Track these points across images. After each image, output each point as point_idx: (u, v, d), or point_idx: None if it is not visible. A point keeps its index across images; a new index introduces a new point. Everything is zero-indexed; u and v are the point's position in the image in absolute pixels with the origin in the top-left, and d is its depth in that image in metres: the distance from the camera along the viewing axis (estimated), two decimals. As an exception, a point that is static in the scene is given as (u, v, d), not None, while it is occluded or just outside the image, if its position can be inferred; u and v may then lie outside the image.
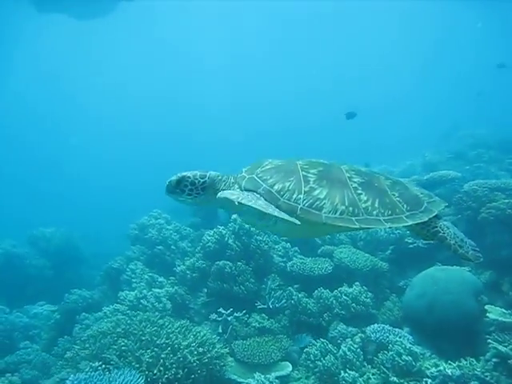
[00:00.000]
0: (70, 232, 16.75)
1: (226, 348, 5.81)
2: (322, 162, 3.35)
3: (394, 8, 33.24)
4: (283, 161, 3.34)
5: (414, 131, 36.21)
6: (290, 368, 6.32)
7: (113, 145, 49.20)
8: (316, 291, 7.27)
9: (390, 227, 3.08)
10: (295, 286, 7.65)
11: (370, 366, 5.98)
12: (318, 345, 6.23)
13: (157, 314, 5.91)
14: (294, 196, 3.02)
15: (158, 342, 5.18)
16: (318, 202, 3.00)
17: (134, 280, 8.68)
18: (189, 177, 3.16)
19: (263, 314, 7.16)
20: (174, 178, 3.16)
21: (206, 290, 8.05)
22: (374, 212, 3.06)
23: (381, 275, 8.04)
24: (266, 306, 7.30)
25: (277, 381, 5.88)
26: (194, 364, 5.08)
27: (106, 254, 18.00)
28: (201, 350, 5.24)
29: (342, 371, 5.70)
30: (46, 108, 47.49)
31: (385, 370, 5.77)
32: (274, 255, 8.24)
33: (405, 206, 3.18)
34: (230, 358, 6.00)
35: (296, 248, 8.99)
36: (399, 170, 18.26)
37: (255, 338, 6.78)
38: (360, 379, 5.62)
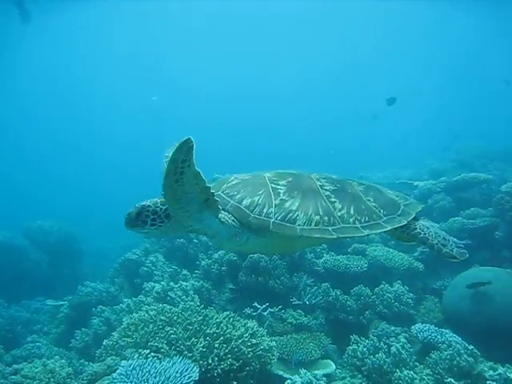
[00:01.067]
0: (70, 226, 16.15)
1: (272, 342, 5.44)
2: (290, 173, 3.20)
3: (391, 11, 33.16)
4: (249, 174, 3.18)
5: (410, 140, 36.48)
6: (334, 366, 5.97)
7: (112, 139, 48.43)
8: (356, 288, 6.95)
9: (368, 234, 2.94)
10: (326, 283, 7.30)
11: (422, 366, 5.68)
12: (367, 342, 5.90)
13: (199, 303, 5.50)
14: (265, 210, 2.84)
15: (207, 331, 4.79)
16: (290, 215, 2.84)
17: (155, 272, 8.25)
18: (149, 206, 2.86)
19: (299, 310, 6.80)
20: (132, 210, 2.86)
21: (231, 286, 7.68)
22: (351, 220, 2.93)
23: (416, 275, 7.77)
24: (301, 302, 6.96)
25: (324, 379, 5.52)
26: (249, 355, 4.71)
27: (108, 249, 17.62)
28: (254, 341, 4.87)
29: (397, 370, 5.37)
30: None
31: (440, 370, 5.47)
32: (307, 251, 7.90)
33: (381, 210, 3.08)
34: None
35: (324, 245, 8.67)
36: (405, 177, 18.12)
37: (292, 334, 6.42)
38: (417, 379, 5.29)
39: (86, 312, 8.64)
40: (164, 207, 2.86)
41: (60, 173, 40.65)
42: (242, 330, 4.97)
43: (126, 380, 4.08)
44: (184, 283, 7.32)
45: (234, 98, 51.01)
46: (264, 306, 6.59)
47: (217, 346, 4.62)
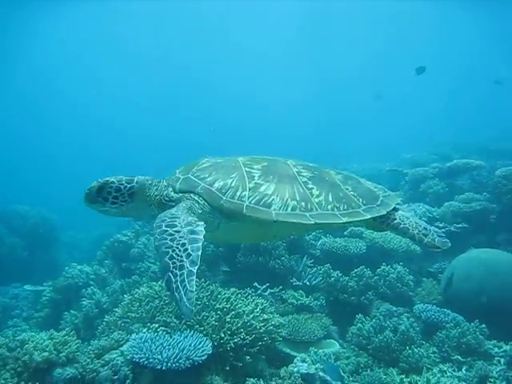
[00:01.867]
0: (47, 212, 15.56)
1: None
2: (265, 158, 3.10)
3: (390, 10, 33.13)
4: (222, 158, 3.06)
5: (382, 136, 36.82)
6: (338, 345, 5.87)
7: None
8: (357, 270, 6.85)
9: (347, 222, 2.84)
10: (328, 264, 7.19)
11: (428, 344, 5.64)
12: (373, 321, 5.83)
13: (203, 279, 5.28)
14: (238, 193, 2.69)
15: (217, 306, 4.61)
16: (265, 198, 2.70)
17: (148, 254, 7.97)
18: (112, 182, 2.71)
19: (300, 291, 6.67)
20: (94, 184, 2.70)
21: (225, 269, 7.49)
22: (329, 206, 2.83)
23: (413, 258, 7.76)
24: (301, 283, 6.83)
25: (333, 356, 5.41)
26: (261, 330, 4.56)
27: (79, 240, 17.11)
28: (265, 316, 4.72)
29: (406, 348, 5.31)
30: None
31: (447, 348, 5.44)
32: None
33: (360, 199, 3.01)
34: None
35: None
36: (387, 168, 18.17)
37: (294, 315, 6.28)
38: (425, 357, 5.25)
39: (71, 295, 8.30)
40: (129, 185, 2.74)
41: (56, 165, 38.96)
42: (253, 305, 4.82)
43: (139, 352, 3.86)
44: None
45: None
46: (264, 286, 6.43)
47: (228, 320, 4.46)
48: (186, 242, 2.36)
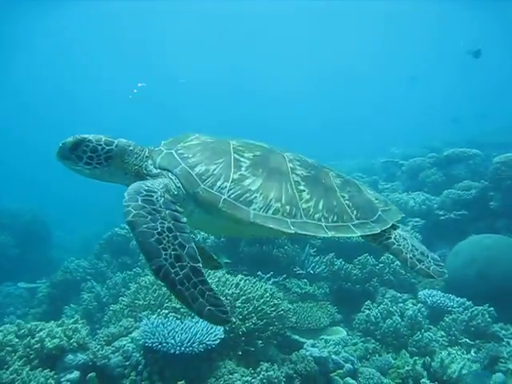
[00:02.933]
0: (39, 210, 15.32)
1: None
2: (261, 146, 2.74)
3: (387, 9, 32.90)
4: (214, 138, 2.71)
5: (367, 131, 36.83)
6: (345, 332, 5.84)
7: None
8: (360, 258, 6.83)
9: (332, 237, 2.50)
10: (332, 253, 7.15)
11: (435, 329, 5.63)
12: (381, 306, 5.81)
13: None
14: (219, 183, 2.38)
15: (227, 291, 4.54)
16: (247, 195, 2.39)
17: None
18: (90, 140, 2.41)
19: (304, 280, 6.63)
20: (69, 139, 2.39)
21: (226, 260, 7.42)
22: (316, 215, 2.48)
23: (413, 246, 7.74)
24: (304, 272, 6.79)
25: (336, 342, 5.38)
26: (272, 315, 4.51)
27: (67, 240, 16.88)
28: (275, 301, 4.66)
29: (414, 332, 5.29)
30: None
31: (455, 332, 5.44)
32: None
33: (354, 212, 2.63)
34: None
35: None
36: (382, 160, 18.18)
37: (298, 303, 6.23)
38: (434, 340, 5.24)
39: (69, 289, 8.17)
40: (107, 147, 2.45)
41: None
42: (262, 290, 4.75)
43: (152, 337, 3.78)
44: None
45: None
46: (268, 275, 6.38)
47: (239, 305, 4.39)
48: (171, 227, 2.07)
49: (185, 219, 2.17)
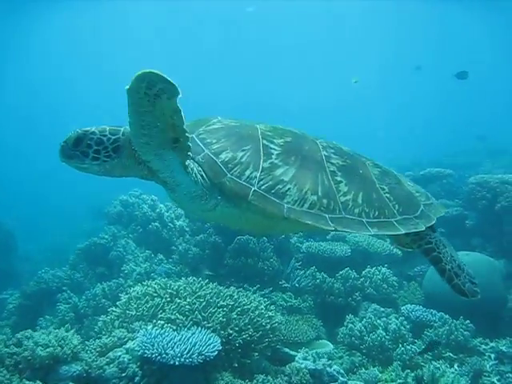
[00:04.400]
0: (3, 218, 14.74)
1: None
2: (290, 131, 2.49)
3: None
4: (238, 121, 2.45)
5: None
6: (331, 345, 5.88)
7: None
8: (342, 272, 6.92)
9: (375, 234, 2.30)
10: (313, 266, 7.22)
11: (420, 342, 5.75)
12: (364, 320, 5.89)
13: (200, 278, 5.15)
14: (248, 173, 2.15)
15: (221, 303, 4.52)
16: (280, 186, 2.16)
17: (128, 257, 7.70)
18: (93, 132, 2.15)
19: (289, 293, 6.66)
20: (71, 134, 2.14)
21: (207, 272, 7.37)
22: (356, 210, 2.26)
23: (394, 262, 7.93)
24: (289, 285, 6.83)
25: (325, 356, 5.41)
26: (267, 327, 4.51)
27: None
28: (270, 313, 4.68)
29: (399, 346, 5.40)
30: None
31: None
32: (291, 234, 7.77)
33: (396, 206, 2.40)
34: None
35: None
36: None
37: (285, 316, 6.24)
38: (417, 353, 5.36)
39: (43, 301, 7.89)
40: (114, 137, 2.17)
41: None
42: (256, 302, 4.75)
43: (151, 347, 3.71)
44: (167, 266, 6.91)
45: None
46: (255, 287, 6.37)
47: (235, 316, 4.38)
48: None
49: None
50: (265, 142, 2.28)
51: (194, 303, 4.41)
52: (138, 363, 3.81)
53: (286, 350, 5.26)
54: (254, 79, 48.31)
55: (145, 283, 4.97)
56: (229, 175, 2.13)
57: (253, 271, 6.74)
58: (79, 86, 44.58)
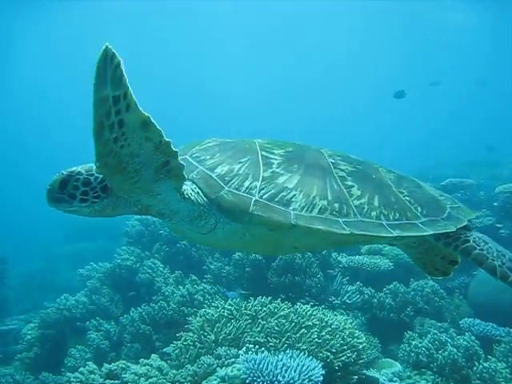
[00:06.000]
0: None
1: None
2: (292, 142, 2.37)
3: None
4: (234, 139, 2.35)
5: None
6: (399, 365, 5.56)
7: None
8: (391, 286, 6.67)
9: (398, 236, 2.08)
10: (358, 281, 6.95)
11: (494, 359, 5.48)
12: (430, 337, 5.59)
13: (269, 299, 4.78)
14: (247, 183, 1.99)
15: (307, 322, 4.17)
16: (283, 193, 1.99)
17: (157, 279, 7.22)
18: (79, 173, 2.00)
19: (341, 310, 6.34)
20: (56, 177, 2.00)
21: (242, 291, 7.00)
22: (373, 213, 2.09)
23: (433, 275, 7.72)
24: (339, 301, 6.51)
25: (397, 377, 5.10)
26: (360, 347, 4.18)
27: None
28: (358, 333, 4.35)
29: (474, 363, 5.12)
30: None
31: (513, 359, 5.34)
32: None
33: (419, 208, 2.24)
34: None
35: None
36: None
37: (340, 335, 5.91)
38: (498, 371, 5.09)
39: (64, 329, 7.31)
40: (101, 176, 1.99)
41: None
42: (343, 321, 4.42)
43: (261, 375, 3.32)
44: (206, 286, 6.50)
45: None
46: (309, 305, 6.02)
47: (328, 337, 4.02)
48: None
49: None
50: (264, 153, 2.14)
51: (283, 324, 4.04)
52: (242, 393, 3.41)
53: (364, 371, 4.92)
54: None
55: (214, 305, 4.59)
56: (226, 188, 1.97)
57: (300, 288, 6.40)
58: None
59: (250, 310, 4.34)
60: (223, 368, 3.70)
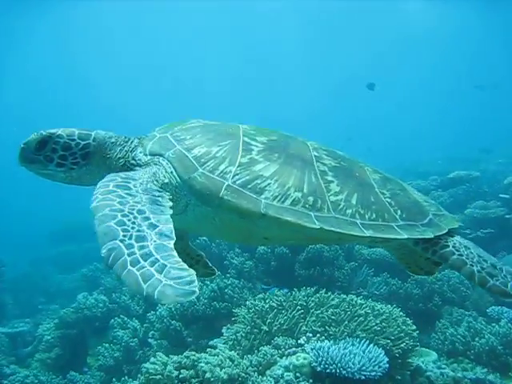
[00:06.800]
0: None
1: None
2: (279, 132, 2.32)
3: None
4: (220, 122, 2.31)
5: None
6: (435, 354, 5.56)
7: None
8: (417, 276, 6.67)
9: (370, 236, 2.03)
10: (383, 273, 6.95)
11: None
12: (465, 325, 5.62)
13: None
14: (222, 167, 1.95)
15: (359, 311, 4.15)
16: (258, 181, 1.95)
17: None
18: (60, 136, 1.96)
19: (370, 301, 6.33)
20: (34, 136, 1.94)
21: (263, 286, 6.96)
22: (348, 211, 2.04)
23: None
24: (366, 293, 6.51)
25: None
26: (414, 335, 4.16)
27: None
28: (409, 320, 4.34)
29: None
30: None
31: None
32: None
33: (398, 211, 2.18)
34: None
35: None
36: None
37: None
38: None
39: (84, 328, 7.17)
40: (83, 142, 1.99)
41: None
42: (388, 308, 4.41)
43: (332, 362, 3.29)
44: (235, 281, 6.43)
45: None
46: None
47: (385, 325, 4.01)
48: (145, 209, 1.65)
49: (168, 203, 1.79)
50: (246, 139, 2.10)
51: (338, 313, 4.01)
52: (310, 380, 3.36)
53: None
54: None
55: (262, 297, 4.55)
56: (200, 170, 1.94)
57: (329, 280, 6.38)
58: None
59: (300, 300, 4.30)
60: (283, 358, 3.66)
